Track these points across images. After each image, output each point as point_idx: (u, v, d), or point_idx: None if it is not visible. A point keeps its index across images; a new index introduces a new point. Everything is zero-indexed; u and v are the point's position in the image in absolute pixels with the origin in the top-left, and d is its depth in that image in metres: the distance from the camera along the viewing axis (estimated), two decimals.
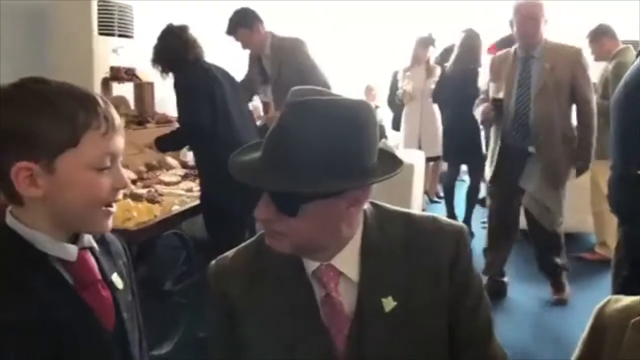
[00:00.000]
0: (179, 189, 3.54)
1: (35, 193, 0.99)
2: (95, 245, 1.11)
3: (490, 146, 3.83)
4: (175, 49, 3.20)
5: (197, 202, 3.27)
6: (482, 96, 3.88)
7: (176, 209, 3.11)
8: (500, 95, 3.53)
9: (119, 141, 1.05)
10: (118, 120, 1.06)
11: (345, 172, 1.00)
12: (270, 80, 4.10)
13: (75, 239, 1.07)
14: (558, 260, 3.81)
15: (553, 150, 3.52)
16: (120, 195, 1.08)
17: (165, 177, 3.81)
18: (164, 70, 3.30)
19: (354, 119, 1.02)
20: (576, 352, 1.24)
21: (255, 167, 1.04)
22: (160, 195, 3.27)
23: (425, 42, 5.92)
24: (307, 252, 1.11)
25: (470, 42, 5.10)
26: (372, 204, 1.19)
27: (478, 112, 3.78)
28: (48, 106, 0.98)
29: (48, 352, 0.98)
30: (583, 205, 4.82)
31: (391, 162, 1.11)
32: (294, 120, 1.00)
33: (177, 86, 3.18)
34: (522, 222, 4.92)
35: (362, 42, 8.24)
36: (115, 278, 1.14)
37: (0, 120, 0.97)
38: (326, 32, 7.56)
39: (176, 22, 3.34)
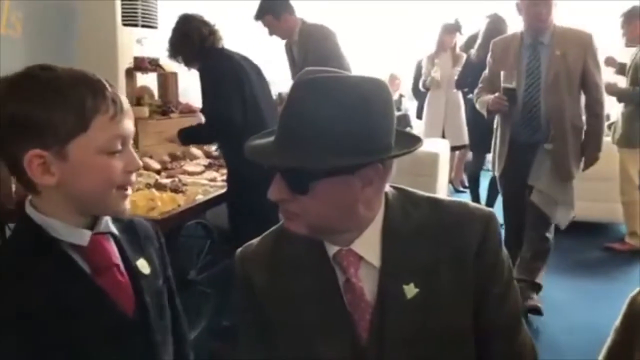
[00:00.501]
0: (202, 179, 3.55)
1: (49, 181, 1.00)
2: (114, 230, 1.12)
3: (496, 140, 3.56)
4: (199, 38, 3.09)
5: (221, 191, 3.25)
6: (481, 85, 3.59)
7: (200, 198, 3.11)
8: (513, 84, 3.23)
9: (128, 124, 1.06)
10: (126, 103, 1.06)
11: (353, 149, 0.98)
12: (297, 67, 4.06)
13: (94, 224, 1.08)
14: (540, 275, 3.54)
15: (563, 143, 3.28)
16: (134, 178, 1.08)
17: (189, 167, 3.82)
18: (187, 62, 3.19)
19: (363, 96, 0.99)
20: (609, 340, 1.22)
21: (267, 147, 1.04)
22: (184, 185, 3.28)
23: (451, 29, 5.84)
24: (324, 233, 1.10)
25: (496, 27, 4.95)
26: (397, 188, 1.17)
27: (481, 103, 3.47)
28: (56, 94, 0.98)
29: (60, 336, 0.99)
30: (613, 194, 4.76)
31: (408, 142, 1.08)
32: (301, 97, 1.00)
33: (204, 77, 3.07)
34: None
35: (385, 31, 8.17)
36: (141, 263, 1.14)
37: (9, 110, 0.98)
38: (349, 20, 7.51)
39: (198, 13, 3.29)
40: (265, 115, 3.12)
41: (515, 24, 4.94)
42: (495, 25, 5.01)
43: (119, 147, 1.03)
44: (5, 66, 3.74)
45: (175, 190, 3.09)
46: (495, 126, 3.60)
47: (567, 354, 3.03)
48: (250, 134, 3.02)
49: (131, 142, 1.08)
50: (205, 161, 4.06)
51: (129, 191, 1.08)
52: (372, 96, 1.00)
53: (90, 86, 1.01)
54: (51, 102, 0.97)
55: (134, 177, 1.08)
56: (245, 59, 3.24)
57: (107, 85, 1.03)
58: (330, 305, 1.11)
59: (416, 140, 1.10)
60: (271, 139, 1.07)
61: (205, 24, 3.14)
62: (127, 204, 1.09)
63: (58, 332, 0.99)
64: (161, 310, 1.17)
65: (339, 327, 1.11)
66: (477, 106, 3.59)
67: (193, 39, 3.08)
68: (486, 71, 3.58)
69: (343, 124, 0.97)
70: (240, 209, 3.12)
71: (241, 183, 3.05)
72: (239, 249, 1.23)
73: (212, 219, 3.77)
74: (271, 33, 4.04)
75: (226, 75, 3.02)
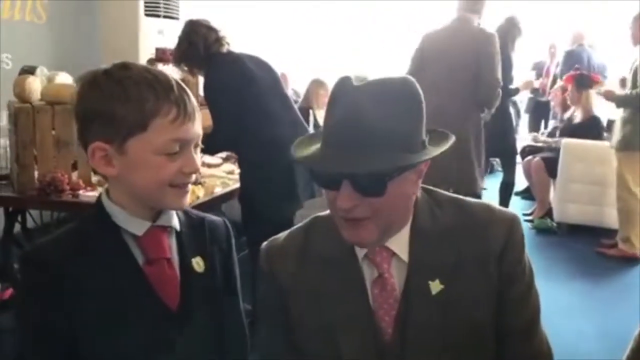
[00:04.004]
0: (220, 171, 3.58)
1: (110, 172, 1.08)
2: (176, 225, 1.16)
3: None
4: (204, 45, 2.98)
5: (239, 184, 3.27)
6: None
7: (218, 191, 3.15)
8: None
9: (191, 128, 1.09)
10: (193, 107, 1.09)
11: (416, 144, 1.05)
12: None
13: (157, 217, 1.13)
14: None
15: None
16: (192, 178, 1.12)
17: (207, 159, 3.84)
18: (192, 70, 3.11)
19: (412, 94, 1.06)
20: (628, 349, 1.23)
21: (331, 156, 1.04)
22: (202, 177, 3.31)
23: None
24: (388, 233, 1.12)
25: (505, 28, 4.83)
26: (424, 188, 1.20)
27: None
28: (121, 91, 1.04)
29: (104, 315, 1.06)
30: (609, 199, 4.86)
31: (437, 134, 1.14)
32: (360, 102, 1.01)
33: (206, 87, 2.99)
34: (569, 217, 4.84)
35: (399, 32, 8.18)
36: (197, 261, 1.18)
37: (86, 103, 1.06)
38: (364, 21, 7.55)
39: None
40: (278, 119, 3.00)
41: (530, 26, 4.90)
42: (507, 24, 4.89)
43: (177, 149, 1.07)
44: (30, 52, 3.83)
45: (194, 182, 3.11)
46: None
47: None
48: (261, 142, 2.97)
49: (194, 144, 1.11)
50: (224, 154, 4.08)
51: (187, 188, 1.12)
52: (417, 94, 1.07)
53: (155, 88, 1.05)
54: (116, 99, 1.04)
55: (192, 177, 1.12)
56: (252, 58, 3.12)
57: (176, 88, 1.07)
58: (355, 302, 1.14)
59: (444, 134, 1.15)
60: (315, 146, 1.09)
61: (211, 29, 3.03)
62: (185, 201, 1.13)
63: (103, 311, 1.06)
64: (213, 309, 1.20)
65: (363, 323, 1.14)
66: None
67: (198, 47, 2.99)
68: None
69: (406, 123, 1.04)
70: (251, 210, 3.06)
71: (252, 186, 3.03)
72: (265, 243, 1.26)
73: (227, 210, 3.80)
74: None
75: (226, 83, 2.93)
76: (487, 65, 3.67)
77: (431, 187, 1.22)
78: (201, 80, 3.22)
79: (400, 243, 1.14)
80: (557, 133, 5.86)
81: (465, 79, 3.63)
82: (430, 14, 7.70)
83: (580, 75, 5.49)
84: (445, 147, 1.10)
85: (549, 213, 5.44)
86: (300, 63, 6.93)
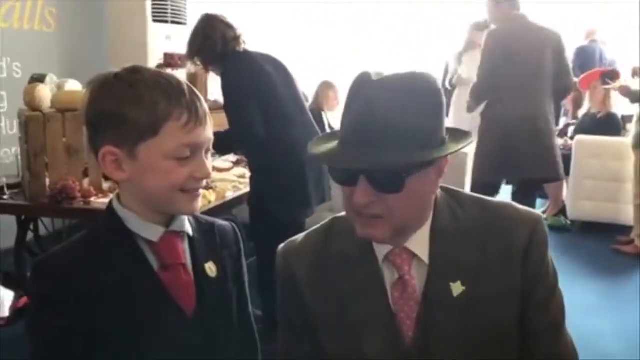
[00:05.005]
0: (231, 175, 3.57)
1: (121, 176, 1.07)
2: (189, 230, 1.15)
3: None
4: (222, 41, 2.92)
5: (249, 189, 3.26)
6: None
7: (229, 195, 3.15)
8: None
9: (202, 133, 1.07)
10: (204, 112, 1.08)
11: (436, 141, 1.03)
12: None
13: (170, 222, 1.12)
14: None
15: None
16: (203, 183, 1.11)
17: (218, 163, 3.84)
18: (206, 65, 3.04)
19: (432, 90, 1.04)
20: None
21: (347, 152, 1.02)
22: (213, 181, 3.30)
23: (481, 27, 5.79)
24: (402, 233, 1.10)
25: None
26: (444, 188, 1.18)
27: None
28: (133, 95, 1.03)
29: (119, 321, 1.04)
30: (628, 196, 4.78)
31: (457, 132, 1.12)
32: (379, 98, 1.00)
33: (225, 85, 2.92)
34: (583, 214, 4.82)
35: (410, 31, 8.16)
36: (209, 266, 1.17)
37: (97, 107, 1.05)
38: (374, 20, 7.52)
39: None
40: (292, 122, 2.97)
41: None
42: None
43: (187, 154, 1.06)
44: (40, 60, 3.84)
45: (206, 187, 3.10)
46: None
47: None
48: (276, 145, 2.92)
49: (205, 149, 1.09)
50: (234, 157, 4.07)
51: (199, 193, 1.11)
52: (436, 89, 1.05)
53: (167, 92, 1.04)
54: (128, 102, 1.02)
55: (203, 182, 1.11)
56: (268, 58, 3.07)
57: (187, 93, 1.05)
58: (376, 304, 1.12)
59: (463, 132, 1.13)
60: (330, 144, 1.07)
61: (229, 26, 2.97)
62: (196, 205, 1.12)
63: (118, 316, 1.04)
64: (226, 313, 1.20)
65: (384, 325, 1.12)
66: None
67: (216, 42, 2.92)
68: None
69: (424, 119, 1.01)
70: (261, 215, 3.00)
71: (264, 190, 2.98)
72: (281, 245, 1.24)
73: (238, 214, 3.80)
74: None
75: (246, 83, 2.88)
76: (565, 58, 3.96)
77: (453, 187, 1.20)
78: (210, 80, 3.19)
79: (420, 244, 1.12)
80: (569, 131, 5.81)
81: (548, 75, 3.82)
82: (430, 14, 7.70)
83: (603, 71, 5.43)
84: (465, 144, 1.07)
85: (562, 211, 5.40)
86: (300, 63, 6.91)
